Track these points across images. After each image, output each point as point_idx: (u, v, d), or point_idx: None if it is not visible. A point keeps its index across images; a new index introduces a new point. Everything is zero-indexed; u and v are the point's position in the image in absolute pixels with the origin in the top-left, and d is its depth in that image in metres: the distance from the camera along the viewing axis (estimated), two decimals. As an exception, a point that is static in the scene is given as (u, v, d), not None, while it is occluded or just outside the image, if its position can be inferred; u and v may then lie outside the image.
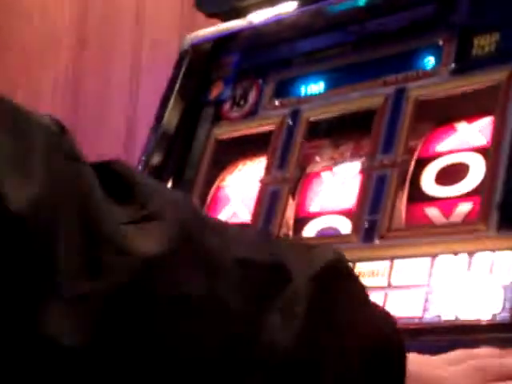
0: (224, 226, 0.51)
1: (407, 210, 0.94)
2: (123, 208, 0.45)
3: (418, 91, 0.99)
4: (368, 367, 0.51)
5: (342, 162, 1.06)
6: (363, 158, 1.01)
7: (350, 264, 0.56)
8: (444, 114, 0.99)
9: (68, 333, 0.40)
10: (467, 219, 0.89)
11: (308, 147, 1.08)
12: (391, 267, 0.89)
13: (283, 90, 1.15)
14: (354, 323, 0.51)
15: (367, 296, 0.54)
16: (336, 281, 0.52)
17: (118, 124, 1.59)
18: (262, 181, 1.09)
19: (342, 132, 1.08)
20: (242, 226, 0.51)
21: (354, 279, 0.54)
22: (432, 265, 0.86)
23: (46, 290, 0.40)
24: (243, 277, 0.47)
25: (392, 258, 0.89)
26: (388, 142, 0.99)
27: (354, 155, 1.04)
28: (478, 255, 0.82)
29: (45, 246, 0.41)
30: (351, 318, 0.51)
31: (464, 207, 0.90)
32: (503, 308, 0.77)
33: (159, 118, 1.22)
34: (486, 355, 0.61)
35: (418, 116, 0.98)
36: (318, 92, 1.11)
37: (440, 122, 0.99)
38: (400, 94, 1.00)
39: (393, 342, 0.53)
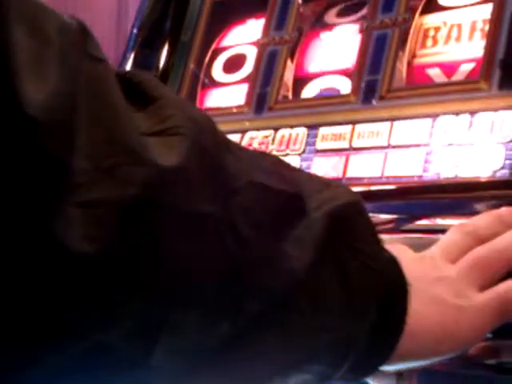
0: (244, 149, 0.51)
1: (408, 70, 0.93)
2: (144, 119, 0.44)
3: None
4: (375, 303, 0.52)
5: (342, 22, 1.04)
6: (363, 18, 0.98)
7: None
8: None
9: (80, 239, 0.39)
10: (469, 78, 0.87)
11: (306, 8, 1.06)
12: (391, 128, 0.88)
13: None
14: (365, 262, 0.52)
15: (380, 241, 0.54)
16: (352, 219, 0.52)
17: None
18: (259, 42, 1.07)
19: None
20: (263, 152, 0.51)
21: (369, 223, 0.54)
22: (432, 125, 0.85)
23: (61, 191, 0.39)
24: (258, 201, 0.47)
25: (392, 119, 0.89)
26: (389, 0, 0.96)
27: (354, 14, 1.02)
28: (480, 115, 0.82)
29: (61, 146, 0.39)
30: (363, 257, 0.52)
31: (466, 66, 0.88)
32: (503, 165, 0.77)
33: (153, -22, 1.19)
34: (481, 227, 0.60)
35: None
36: (317, -51, 1.07)
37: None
38: (402, -50, 0.97)
39: (399, 281, 0.54)
